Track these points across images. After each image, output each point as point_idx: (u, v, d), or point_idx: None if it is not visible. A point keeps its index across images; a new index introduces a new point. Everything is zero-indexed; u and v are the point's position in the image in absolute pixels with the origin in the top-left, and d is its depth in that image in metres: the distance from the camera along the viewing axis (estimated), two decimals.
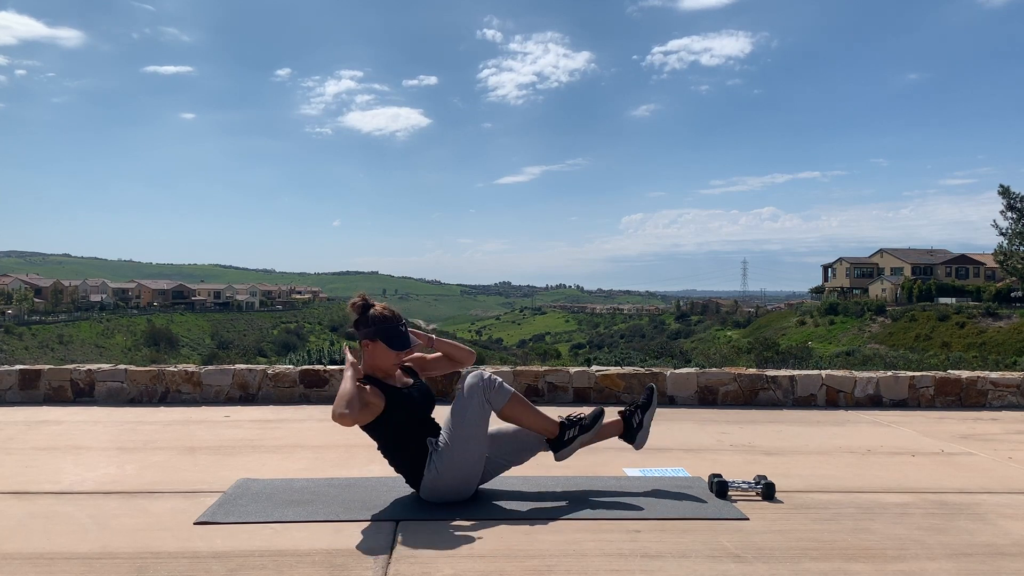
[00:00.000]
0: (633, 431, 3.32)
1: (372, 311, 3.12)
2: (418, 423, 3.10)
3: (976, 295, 72.39)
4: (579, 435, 3.20)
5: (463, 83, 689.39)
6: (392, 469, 3.18)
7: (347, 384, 2.91)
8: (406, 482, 3.15)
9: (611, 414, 3.42)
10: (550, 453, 3.27)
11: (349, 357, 3.08)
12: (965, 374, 6.23)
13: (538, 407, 3.31)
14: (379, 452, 3.18)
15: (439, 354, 3.37)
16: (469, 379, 3.11)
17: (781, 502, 3.20)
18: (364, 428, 3.08)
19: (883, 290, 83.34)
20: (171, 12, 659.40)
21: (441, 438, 3.07)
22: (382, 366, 3.10)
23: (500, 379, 3.14)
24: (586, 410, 3.31)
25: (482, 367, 3.29)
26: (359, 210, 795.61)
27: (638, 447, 3.35)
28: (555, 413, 3.31)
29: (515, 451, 3.24)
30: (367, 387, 2.99)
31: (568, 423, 3.21)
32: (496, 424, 3.18)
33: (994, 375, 6.20)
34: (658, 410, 3.39)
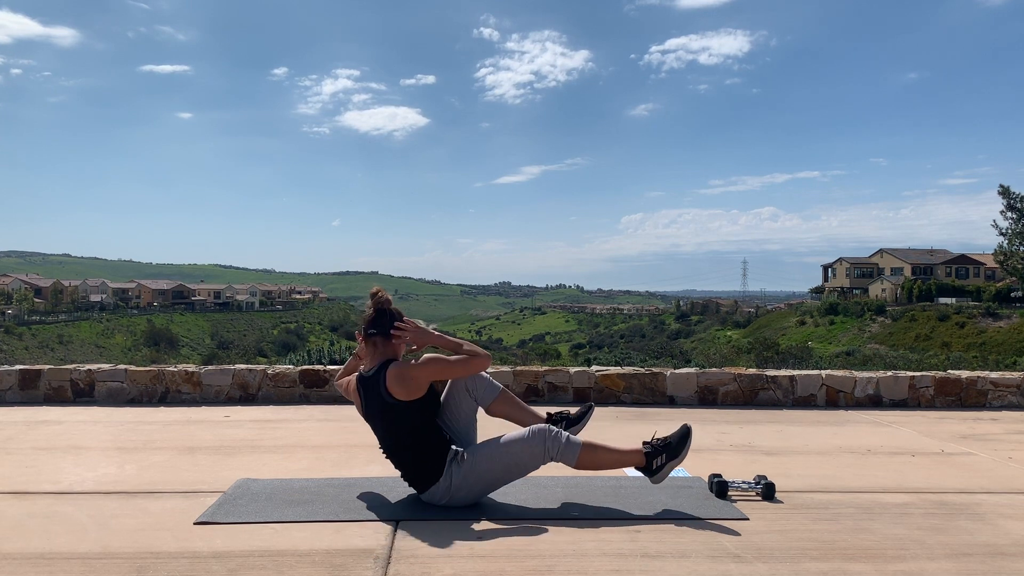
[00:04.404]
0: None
1: (393, 307, 3.16)
2: (436, 419, 3.10)
3: (976, 295, 72.38)
4: (668, 462, 3.07)
5: (460, 82, 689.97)
6: (392, 468, 3.16)
7: (454, 338, 3.06)
8: (409, 483, 3.11)
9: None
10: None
11: (430, 330, 3.14)
12: (965, 374, 6.23)
13: (535, 408, 3.32)
14: (380, 451, 3.16)
15: None
16: (535, 429, 3.04)
17: (781, 502, 3.20)
18: (397, 405, 2.98)
19: (883, 290, 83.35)
20: (166, 11, 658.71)
21: (470, 452, 3.04)
22: (421, 345, 3.13)
23: (566, 435, 3.04)
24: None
25: (546, 426, 3.19)
26: (358, 210, 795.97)
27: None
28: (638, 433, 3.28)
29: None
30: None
31: (654, 451, 3.09)
32: (497, 429, 3.18)
33: (994, 375, 6.20)
34: (658, 410, 3.37)
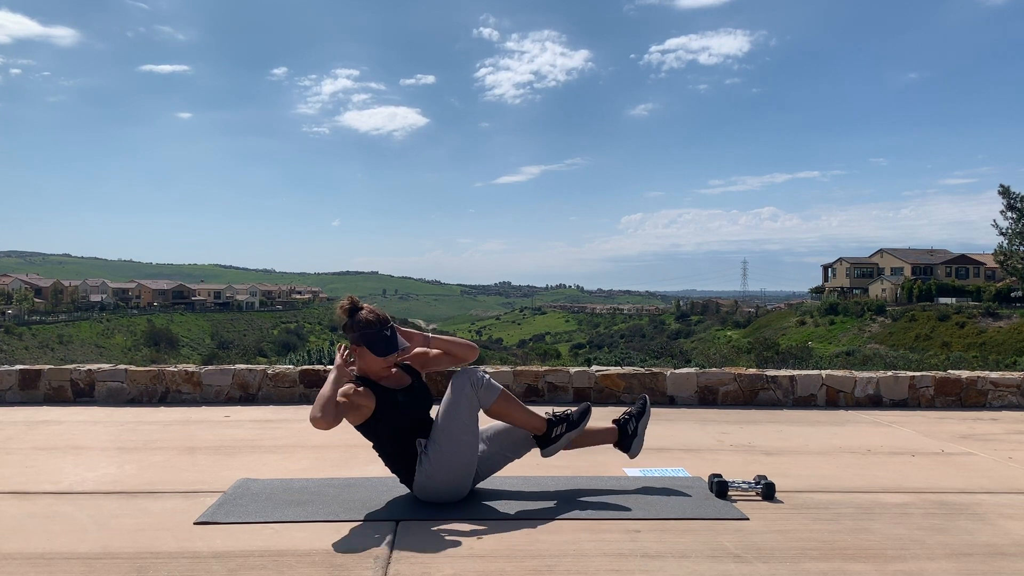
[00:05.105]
0: (628, 438, 3.32)
1: (358, 316, 3.08)
2: (413, 424, 3.09)
3: (976, 295, 72.39)
4: (566, 432, 3.19)
5: (460, 82, 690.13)
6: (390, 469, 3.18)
7: (326, 388, 2.89)
8: (400, 482, 3.14)
9: (606, 418, 3.41)
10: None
11: (337, 359, 3.06)
12: (965, 374, 6.23)
13: (536, 407, 3.32)
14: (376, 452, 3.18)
15: (440, 351, 3.35)
16: (457, 377, 3.09)
17: (781, 502, 3.20)
18: (359, 429, 3.08)
19: (883, 290, 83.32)
20: (165, 10, 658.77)
21: (431, 438, 3.05)
22: (371, 369, 3.09)
23: (488, 375, 3.12)
24: (574, 408, 3.31)
25: (471, 365, 3.26)
26: (358, 210, 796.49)
27: (632, 456, 3.35)
28: (546, 411, 3.31)
29: (510, 447, 3.23)
30: (360, 388, 2.98)
31: (555, 420, 3.20)
32: (489, 421, 3.19)
33: (994, 375, 6.20)
34: (658, 410, 3.42)
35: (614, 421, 3.38)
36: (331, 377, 2.94)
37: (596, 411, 3.51)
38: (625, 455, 3.37)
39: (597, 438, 3.34)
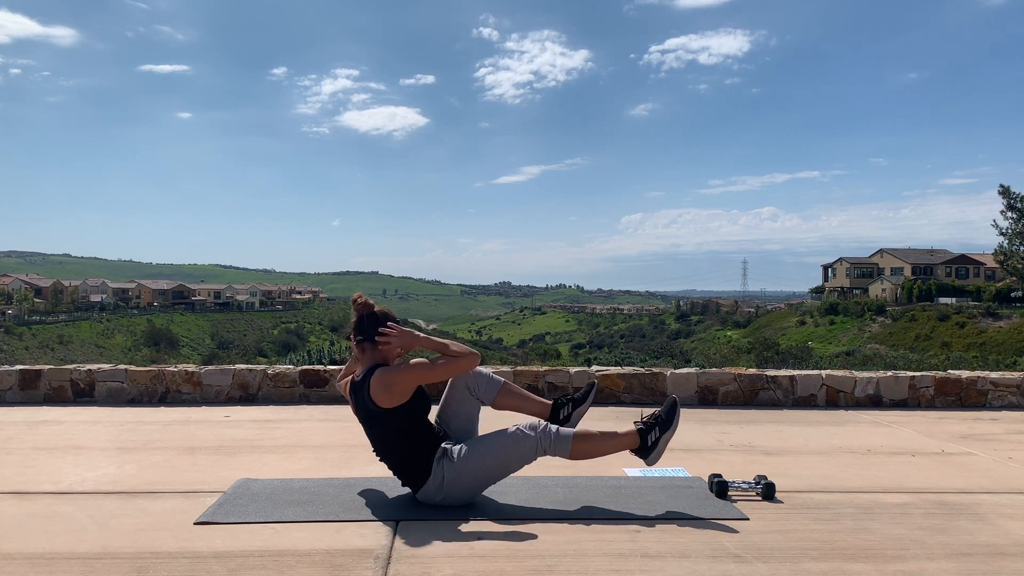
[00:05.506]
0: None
1: (379, 309, 3.16)
2: (423, 421, 3.09)
3: (976, 295, 72.35)
4: (662, 435, 3.11)
5: (460, 82, 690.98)
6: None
7: (441, 339, 3.06)
8: (402, 483, 3.12)
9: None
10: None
11: (416, 332, 3.13)
12: (965, 374, 6.23)
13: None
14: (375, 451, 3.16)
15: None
16: (525, 428, 3.03)
17: (781, 502, 3.20)
18: (381, 415, 2.99)
19: (883, 290, 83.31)
20: (165, 10, 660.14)
21: (460, 449, 3.03)
22: (407, 348, 3.13)
23: (555, 428, 3.03)
24: (659, 408, 3.22)
25: (537, 420, 3.18)
26: (358, 210, 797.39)
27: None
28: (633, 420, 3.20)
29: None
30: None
31: (646, 427, 3.11)
32: (504, 422, 3.17)
33: (994, 375, 6.20)
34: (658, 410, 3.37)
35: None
36: (438, 338, 3.08)
37: (596, 411, 3.52)
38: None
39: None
